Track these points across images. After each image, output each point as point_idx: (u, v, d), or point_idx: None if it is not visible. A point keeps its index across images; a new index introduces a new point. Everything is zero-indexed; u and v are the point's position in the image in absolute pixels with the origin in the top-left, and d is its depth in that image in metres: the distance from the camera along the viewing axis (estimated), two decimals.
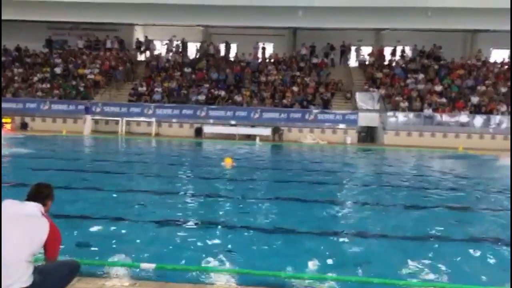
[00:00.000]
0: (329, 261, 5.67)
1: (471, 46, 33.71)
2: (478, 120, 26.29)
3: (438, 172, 14.77)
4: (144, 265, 5.01)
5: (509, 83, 28.04)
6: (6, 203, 3.58)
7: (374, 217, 8.12)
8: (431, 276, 5.25)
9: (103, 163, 14.43)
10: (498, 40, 31.51)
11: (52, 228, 3.53)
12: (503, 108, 26.29)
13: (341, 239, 6.69)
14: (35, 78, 29.80)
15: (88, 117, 25.82)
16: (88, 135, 24.85)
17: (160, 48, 34.03)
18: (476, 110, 26.58)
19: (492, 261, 5.94)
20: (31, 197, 3.68)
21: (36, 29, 33.62)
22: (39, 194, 3.71)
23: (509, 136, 24.09)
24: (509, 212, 8.04)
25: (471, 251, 6.29)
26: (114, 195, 9.17)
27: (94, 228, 6.80)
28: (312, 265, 5.49)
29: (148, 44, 33.74)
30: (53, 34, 34.90)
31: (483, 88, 28.06)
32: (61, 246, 3.72)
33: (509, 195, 10.07)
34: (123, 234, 6.57)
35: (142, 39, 34.34)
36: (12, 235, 3.32)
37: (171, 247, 6.03)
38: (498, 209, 8.98)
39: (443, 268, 5.52)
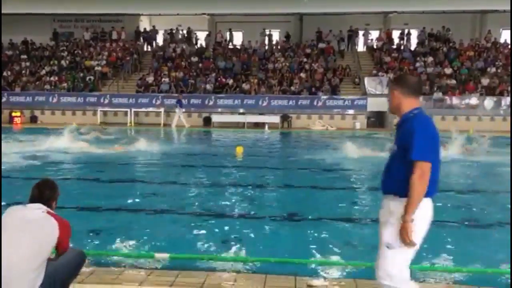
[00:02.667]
0: (345, 247, 5.66)
1: (480, 27, 33.21)
2: (489, 102, 25.99)
3: None
4: (158, 255, 5.03)
5: None
6: (10, 210, 3.38)
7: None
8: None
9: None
10: (507, 20, 30.91)
11: (62, 225, 3.35)
12: None
13: (354, 225, 6.67)
14: (43, 71, 29.88)
15: (179, 111, 25.16)
16: (175, 128, 24.55)
17: (166, 38, 33.88)
18: (487, 92, 26.27)
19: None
20: (33, 200, 3.45)
21: (41, 22, 33.61)
22: (41, 196, 3.46)
23: None
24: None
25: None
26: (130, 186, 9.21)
27: (108, 219, 6.84)
28: (325, 251, 5.48)
29: (154, 34, 33.63)
30: (59, 27, 34.89)
31: (493, 69, 27.70)
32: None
33: None
34: (136, 224, 6.60)
35: (148, 29, 34.21)
36: (19, 244, 3.14)
37: (184, 236, 6.04)
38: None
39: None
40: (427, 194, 3.01)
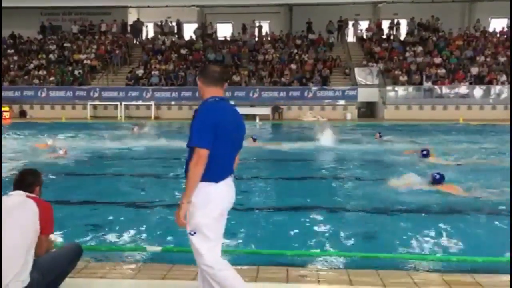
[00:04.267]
0: (337, 238, 5.69)
1: (469, 16, 33.33)
2: (478, 91, 26.16)
3: None
4: (150, 248, 5.02)
5: (508, 53, 27.82)
6: None
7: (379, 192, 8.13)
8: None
9: None
10: (496, 9, 31.16)
11: (41, 207, 3.34)
12: (503, 78, 26.12)
13: (345, 215, 6.70)
14: (31, 65, 29.57)
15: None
16: None
17: (155, 30, 33.63)
18: (476, 81, 26.42)
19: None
20: (15, 186, 3.48)
21: (29, 16, 33.22)
22: (23, 181, 3.50)
23: (509, 106, 23.97)
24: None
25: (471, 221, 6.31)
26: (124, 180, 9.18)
27: (101, 213, 6.83)
28: (317, 242, 5.51)
29: (140, 26, 33.35)
30: (47, 20, 34.50)
31: (482, 58, 27.84)
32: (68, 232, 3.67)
33: None
34: (129, 218, 6.58)
35: (136, 21, 33.92)
36: (2, 233, 3.14)
37: (176, 230, 6.03)
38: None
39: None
40: (211, 179, 3.10)
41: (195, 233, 3.16)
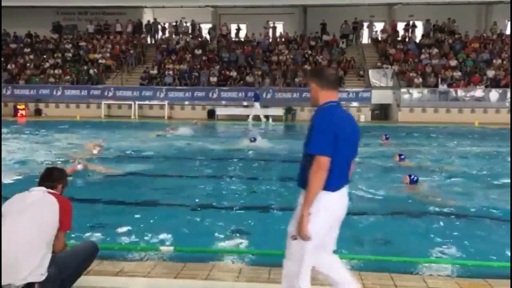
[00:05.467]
0: (350, 240, 5.65)
1: (486, 18, 32.92)
2: (494, 94, 25.84)
3: None
4: (163, 248, 5.04)
5: None
6: (13, 198, 3.47)
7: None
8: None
9: None
10: None
11: (61, 203, 3.41)
12: None
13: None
14: (47, 64, 29.89)
15: (256, 104, 25.00)
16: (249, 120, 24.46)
17: (170, 30, 33.80)
18: (492, 84, 26.11)
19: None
20: (40, 181, 3.57)
21: (45, 15, 33.56)
22: (48, 177, 3.60)
23: None
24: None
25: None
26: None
27: (114, 212, 6.87)
28: None
29: (157, 26, 33.56)
30: (63, 20, 34.85)
31: (499, 61, 27.51)
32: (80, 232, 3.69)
33: None
34: (141, 218, 6.61)
35: (151, 21, 34.12)
36: (18, 228, 3.20)
37: (189, 229, 6.05)
38: None
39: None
40: (327, 187, 3.00)
41: (305, 239, 3.03)
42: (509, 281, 4.20)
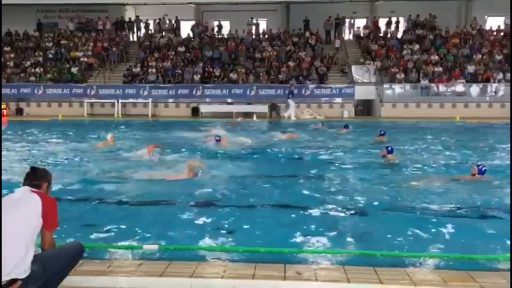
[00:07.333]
0: (333, 235, 5.71)
1: (466, 14, 33.37)
2: (475, 89, 26.21)
3: None
4: (147, 247, 5.02)
5: (505, 51, 27.91)
6: (3, 197, 3.50)
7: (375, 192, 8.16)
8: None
9: None
10: (493, 7, 31.24)
11: (45, 201, 3.42)
12: (500, 76, 26.18)
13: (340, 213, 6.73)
14: (28, 63, 29.47)
15: (291, 101, 24.70)
16: (292, 119, 24.14)
17: (152, 28, 33.56)
18: (473, 79, 26.48)
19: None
20: (25, 180, 3.59)
21: (25, 13, 33.05)
22: (34, 174, 3.62)
23: (507, 104, 24.02)
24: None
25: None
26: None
27: (99, 211, 6.84)
28: (315, 239, 5.53)
29: (139, 24, 33.29)
30: (43, 17, 34.39)
31: (479, 56, 27.90)
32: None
33: None
34: (125, 216, 6.59)
35: (133, 18, 33.86)
36: (5, 224, 3.23)
37: (173, 227, 6.05)
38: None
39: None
40: None
41: None
42: (489, 272, 4.29)
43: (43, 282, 3.39)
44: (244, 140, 14.53)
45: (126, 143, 13.90)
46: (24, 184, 3.58)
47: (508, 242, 5.01)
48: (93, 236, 5.65)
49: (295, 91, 25.36)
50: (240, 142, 14.19)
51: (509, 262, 4.35)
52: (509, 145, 12.27)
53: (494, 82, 26.10)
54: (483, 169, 8.55)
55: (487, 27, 31.51)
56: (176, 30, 32.80)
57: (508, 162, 10.13)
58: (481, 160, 10.62)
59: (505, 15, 29.59)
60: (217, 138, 13.58)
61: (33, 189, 3.51)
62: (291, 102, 24.77)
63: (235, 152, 12.72)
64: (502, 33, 30.00)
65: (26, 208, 3.38)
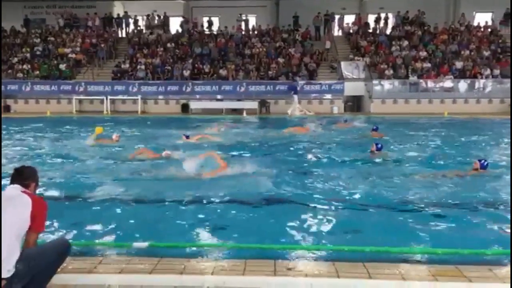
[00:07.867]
0: (322, 230, 5.73)
1: (454, 10, 33.60)
2: (463, 85, 26.41)
3: None
4: (136, 244, 4.99)
5: (492, 47, 28.13)
6: None
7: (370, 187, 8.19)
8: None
9: None
10: (480, 3, 31.48)
11: (35, 202, 3.40)
12: (487, 71, 26.39)
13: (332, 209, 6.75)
14: (15, 59, 29.15)
15: (295, 98, 24.76)
16: (294, 115, 23.92)
17: (141, 24, 33.35)
18: (461, 74, 26.67)
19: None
20: (12, 179, 3.56)
21: (12, 9, 32.72)
22: (20, 175, 3.59)
23: (494, 100, 24.27)
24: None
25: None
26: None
27: (87, 209, 6.79)
28: (305, 235, 5.54)
29: (128, 20, 33.06)
30: (30, 13, 34.03)
31: (467, 52, 28.10)
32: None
33: None
34: (114, 214, 6.55)
35: (121, 14, 33.61)
36: None
37: (163, 224, 6.03)
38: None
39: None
40: None
41: None
42: (477, 266, 4.34)
43: (29, 279, 3.36)
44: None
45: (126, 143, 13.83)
46: (13, 180, 3.55)
47: (497, 235, 5.06)
48: (82, 234, 5.61)
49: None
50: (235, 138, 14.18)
51: (509, 261, 4.42)
52: (508, 140, 12.39)
53: (482, 78, 26.30)
54: (485, 163, 8.65)
55: (475, 23, 31.74)
56: (165, 26, 32.62)
57: (497, 157, 10.23)
58: (470, 155, 10.71)
59: (492, 11, 29.82)
60: (186, 135, 13.70)
61: (24, 190, 3.49)
62: (295, 97, 24.77)
63: (225, 148, 12.70)
64: (489, 29, 30.22)
65: (14, 208, 3.35)
